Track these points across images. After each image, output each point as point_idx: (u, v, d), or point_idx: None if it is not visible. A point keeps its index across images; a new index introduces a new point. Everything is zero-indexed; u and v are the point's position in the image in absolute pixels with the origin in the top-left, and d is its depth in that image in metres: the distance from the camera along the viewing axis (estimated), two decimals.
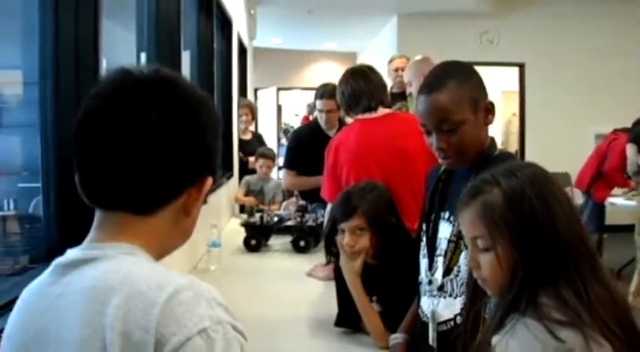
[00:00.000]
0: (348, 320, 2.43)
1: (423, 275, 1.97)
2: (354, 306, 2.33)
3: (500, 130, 12.82)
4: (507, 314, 1.29)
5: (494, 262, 1.31)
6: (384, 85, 3.29)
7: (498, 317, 1.30)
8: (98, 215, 1.02)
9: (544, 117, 9.25)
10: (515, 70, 9.60)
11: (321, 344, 2.39)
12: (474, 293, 1.47)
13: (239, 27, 7.06)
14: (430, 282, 1.92)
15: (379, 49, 11.19)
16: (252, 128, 6.86)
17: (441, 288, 1.88)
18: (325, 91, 4.17)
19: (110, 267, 0.93)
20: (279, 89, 14.41)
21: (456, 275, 1.83)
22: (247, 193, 5.49)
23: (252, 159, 5.84)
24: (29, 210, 2.83)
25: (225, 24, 6.04)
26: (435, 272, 1.91)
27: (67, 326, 0.91)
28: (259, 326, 2.48)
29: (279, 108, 15.20)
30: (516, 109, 9.92)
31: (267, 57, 13.28)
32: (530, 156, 9.35)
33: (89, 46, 2.02)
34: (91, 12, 2.02)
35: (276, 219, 4.30)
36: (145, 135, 0.96)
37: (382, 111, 3.18)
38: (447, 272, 1.86)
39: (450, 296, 1.86)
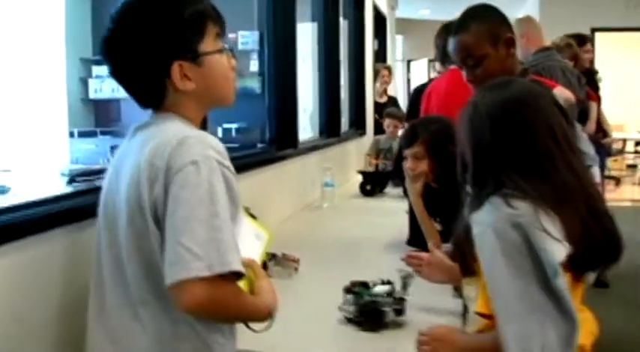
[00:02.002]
0: (417, 240, 2.77)
1: None
2: None
3: None
4: (478, 198, 1.59)
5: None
6: None
7: (469, 199, 1.62)
8: None
9: None
10: None
11: (391, 255, 2.76)
12: None
13: None
14: None
15: None
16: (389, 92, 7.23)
17: None
18: None
19: (157, 128, 1.41)
20: (430, 61, 14.58)
21: None
22: (377, 151, 5.87)
23: None
24: None
25: None
26: None
27: (128, 164, 1.39)
28: (347, 243, 3.05)
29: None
30: None
31: (418, 28, 13.51)
32: None
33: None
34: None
35: (391, 167, 4.68)
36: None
37: None
38: None
39: None
